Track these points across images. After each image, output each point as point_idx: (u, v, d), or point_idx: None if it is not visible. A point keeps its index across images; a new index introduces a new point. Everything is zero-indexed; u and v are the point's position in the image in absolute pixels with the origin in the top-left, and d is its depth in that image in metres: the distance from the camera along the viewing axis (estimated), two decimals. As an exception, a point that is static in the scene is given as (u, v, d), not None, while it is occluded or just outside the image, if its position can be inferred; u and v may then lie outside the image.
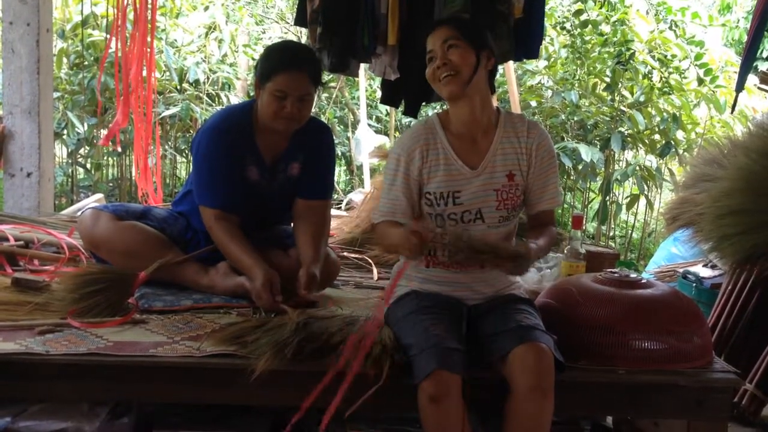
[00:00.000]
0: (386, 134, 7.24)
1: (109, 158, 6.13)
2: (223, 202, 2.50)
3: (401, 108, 3.78)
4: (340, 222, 3.90)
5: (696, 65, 5.48)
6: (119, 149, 5.53)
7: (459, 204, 2.15)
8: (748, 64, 3.52)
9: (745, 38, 4.02)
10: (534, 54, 3.62)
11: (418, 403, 1.84)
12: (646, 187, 5.54)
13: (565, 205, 6.22)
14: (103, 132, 5.60)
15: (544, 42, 5.72)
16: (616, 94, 5.58)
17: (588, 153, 5.22)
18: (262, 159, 2.54)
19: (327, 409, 1.85)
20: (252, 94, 6.99)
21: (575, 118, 5.66)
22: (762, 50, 8.03)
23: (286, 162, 2.57)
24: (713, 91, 5.42)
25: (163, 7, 6.13)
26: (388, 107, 6.69)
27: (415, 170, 2.16)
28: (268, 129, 2.49)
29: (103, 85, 5.10)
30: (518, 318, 2.00)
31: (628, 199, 5.80)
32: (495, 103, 2.32)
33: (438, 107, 5.48)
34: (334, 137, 7.33)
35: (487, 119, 2.19)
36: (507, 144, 2.19)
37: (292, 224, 2.70)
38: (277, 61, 2.40)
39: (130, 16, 4.32)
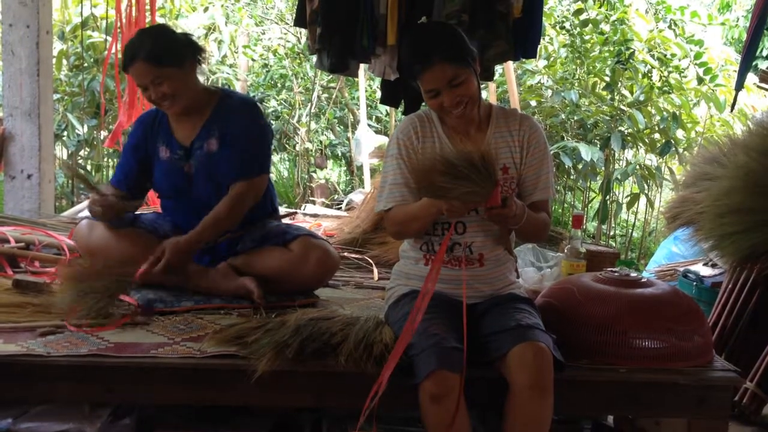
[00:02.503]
0: (386, 134, 7.24)
1: (110, 159, 6.14)
2: (118, 179, 2.72)
3: (401, 108, 3.78)
4: (341, 222, 3.90)
5: (695, 64, 5.48)
6: (121, 149, 5.54)
7: None
8: (747, 63, 3.52)
9: (744, 37, 4.02)
10: (532, 54, 3.63)
11: (419, 402, 1.84)
12: (646, 186, 5.54)
13: (565, 205, 6.22)
14: (104, 134, 5.60)
15: (543, 41, 5.74)
16: (615, 94, 5.58)
17: (588, 152, 5.23)
18: (174, 139, 2.65)
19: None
20: (252, 94, 7.01)
21: (575, 118, 5.67)
22: (761, 49, 8.04)
23: (202, 140, 2.62)
24: (713, 90, 5.42)
25: (162, 8, 6.13)
26: (387, 107, 6.70)
27: (413, 152, 2.17)
28: (180, 115, 2.63)
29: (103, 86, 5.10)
30: (518, 317, 2.00)
31: (629, 198, 5.80)
32: (493, 98, 2.32)
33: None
34: (334, 137, 7.28)
35: (479, 115, 2.20)
36: (500, 138, 2.20)
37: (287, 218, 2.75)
38: (124, 60, 2.56)
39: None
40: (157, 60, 2.46)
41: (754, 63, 6.14)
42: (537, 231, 2.20)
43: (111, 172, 6.30)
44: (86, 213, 3.16)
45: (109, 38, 4.51)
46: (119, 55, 4.24)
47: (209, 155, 2.59)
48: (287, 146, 7.40)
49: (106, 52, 4.55)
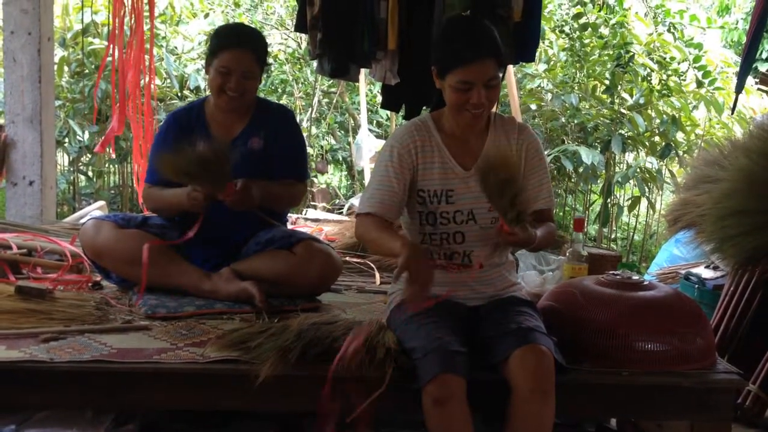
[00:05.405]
0: (387, 139, 7.24)
1: (111, 165, 6.14)
2: (153, 179, 2.66)
3: (402, 113, 3.78)
4: (342, 227, 3.90)
5: (695, 67, 5.49)
6: (113, 155, 5.56)
7: (452, 203, 2.15)
8: (747, 66, 3.53)
9: (744, 39, 4.02)
10: (531, 58, 3.63)
11: (422, 406, 1.84)
12: (647, 189, 5.54)
13: (567, 208, 6.22)
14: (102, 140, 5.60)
15: (543, 45, 5.75)
16: (615, 97, 5.58)
17: (588, 155, 5.23)
18: (211, 135, 2.63)
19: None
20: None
21: (575, 121, 5.67)
22: (761, 51, 8.04)
23: (245, 138, 2.66)
24: (712, 93, 5.42)
25: (163, 14, 6.15)
26: (388, 112, 6.71)
27: (408, 163, 2.14)
28: (220, 109, 2.65)
29: (104, 93, 5.11)
30: (519, 320, 2.00)
31: (630, 201, 5.79)
32: None
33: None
34: (335, 142, 7.31)
35: (480, 122, 2.19)
36: (499, 146, 2.18)
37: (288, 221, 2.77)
38: (224, 38, 2.59)
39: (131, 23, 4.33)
40: (259, 58, 2.59)
41: (753, 65, 6.15)
42: (548, 243, 2.21)
43: (113, 179, 6.31)
44: (94, 214, 3.16)
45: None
46: (116, 63, 4.25)
47: (251, 152, 2.64)
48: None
49: (107, 59, 4.55)
